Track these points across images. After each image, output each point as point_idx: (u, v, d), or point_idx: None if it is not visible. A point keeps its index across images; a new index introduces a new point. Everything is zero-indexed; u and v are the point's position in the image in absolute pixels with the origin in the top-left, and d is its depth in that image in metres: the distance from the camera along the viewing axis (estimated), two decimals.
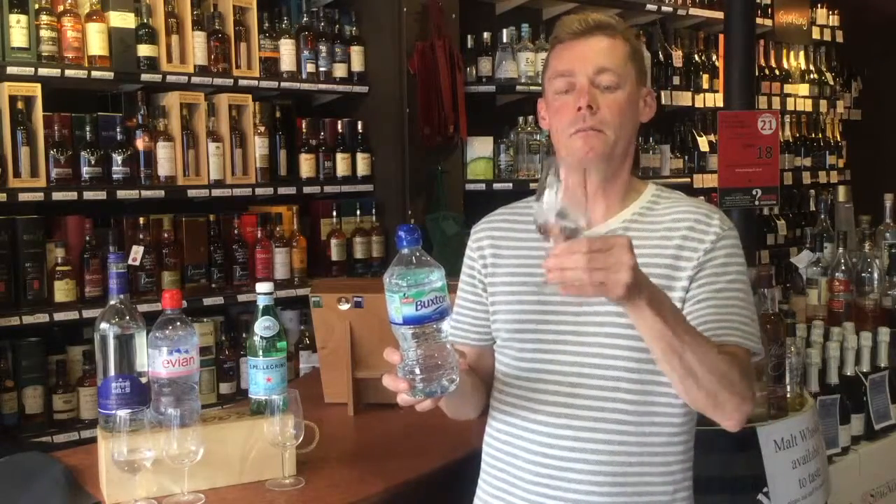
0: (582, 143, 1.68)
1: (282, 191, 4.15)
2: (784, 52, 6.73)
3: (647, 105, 1.77)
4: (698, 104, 5.85)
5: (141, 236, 3.69)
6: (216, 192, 3.90)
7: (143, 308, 2.86)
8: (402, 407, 1.59)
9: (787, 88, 6.64)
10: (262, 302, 2.04)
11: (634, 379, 1.66)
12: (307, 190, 4.24)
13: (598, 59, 1.69)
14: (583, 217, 1.43)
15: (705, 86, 5.92)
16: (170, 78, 3.76)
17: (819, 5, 7.05)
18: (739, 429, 1.64)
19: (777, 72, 6.61)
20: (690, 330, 1.54)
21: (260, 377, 2.02)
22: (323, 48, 4.31)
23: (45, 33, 3.43)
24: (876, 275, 3.41)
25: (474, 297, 1.82)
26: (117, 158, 3.61)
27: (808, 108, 6.88)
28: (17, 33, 3.37)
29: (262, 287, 2.05)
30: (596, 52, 1.69)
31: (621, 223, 1.73)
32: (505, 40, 4.81)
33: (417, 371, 1.51)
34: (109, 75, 3.58)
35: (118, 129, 3.64)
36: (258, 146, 4.04)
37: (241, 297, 3.91)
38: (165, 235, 3.78)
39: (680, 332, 1.50)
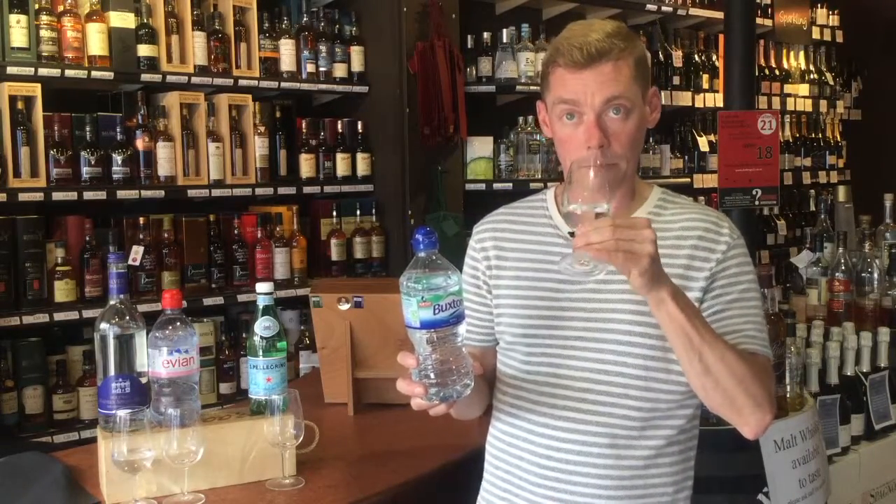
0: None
1: (282, 191, 4.15)
2: (784, 52, 6.73)
3: (653, 109, 1.73)
4: (698, 104, 5.85)
5: (141, 236, 3.69)
6: (216, 192, 3.90)
7: (143, 308, 2.86)
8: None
9: (787, 88, 6.64)
10: (262, 302, 2.04)
11: (643, 386, 1.66)
12: (307, 190, 4.24)
13: (604, 90, 1.61)
14: (607, 204, 1.48)
15: (705, 86, 5.92)
16: (170, 78, 3.76)
17: (819, 5, 7.05)
18: (757, 437, 1.64)
19: (777, 72, 6.61)
20: (710, 330, 1.56)
21: (260, 377, 2.02)
22: (323, 48, 4.31)
23: (45, 33, 3.43)
24: (876, 275, 3.41)
25: (478, 298, 1.81)
26: (117, 158, 3.61)
27: (808, 108, 6.88)
28: (17, 33, 3.37)
29: (262, 287, 2.05)
30: (601, 82, 1.61)
31: None
32: (505, 40, 4.81)
33: (433, 375, 1.50)
34: (109, 75, 3.58)
35: (118, 129, 3.64)
36: (258, 146, 4.04)
37: (241, 297, 3.91)
38: (165, 235, 3.78)
39: (700, 329, 1.53)
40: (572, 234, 1.72)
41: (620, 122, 1.64)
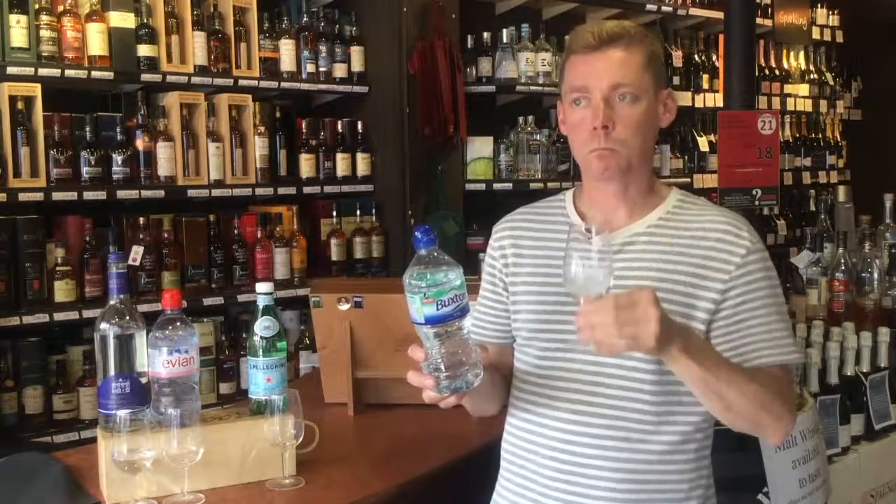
0: (598, 162, 1.69)
1: (282, 191, 4.14)
2: (784, 52, 6.72)
3: (666, 109, 1.76)
4: (698, 104, 5.85)
5: (141, 236, 3.69)
6: (216, 192, 3.90)
7: (143, 308, 2.86)
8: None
9: (787, 88, 6.64)
10: (262, 302, 2.04)
11: (656, 380, 1.67)
12: (307, 190, 4.24)
13: (612, 74, 1.66)
14: (607, 281, 1.49)
15: (705, 86, 5.92)
16: (170, 78, 3.76)
17: (819, 5, 7.04)
18: (782, 440, 1.72)
19: (777, 72, 6.61)
20: (725, 365, 1.59)
21: (260, 377, 2.02)
22: (323, 48, 4.31)
23: (45, 33, 3.43)
24: (876, 275, 3.41)
25: (494, 296, 1.84)
26: (117, 158, 3.61)
27: (808, 108, 6.87)
28: (17, 33, 3.37)
29: (262, 287, 2.06)
30: (609, 67, 1.67)
31: (645, 228, 1.73)
32: (505, 40, 4.81)
33: (442, 368, 1.54)
34: (109, 75, 3.58)
35: (118, 129, 3.64)
36: (258, 146, 4.04)
37: (241, 297, 3.91)
38: (165, 235, 3.77)
39: (716, 371, 1.56)
40: (588, 230, 1.74)
41: (628, 107, 1.68)
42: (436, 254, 1.54)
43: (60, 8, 3.51)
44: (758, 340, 1.67)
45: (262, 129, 4.07)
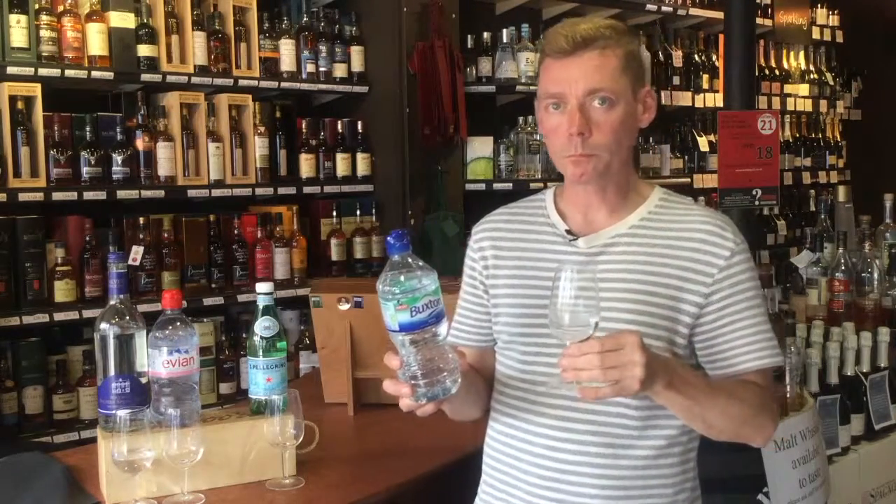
0: (574, 167, 1.66)
1: (282, 191, 4.15)
2: (784, 52, 6.73)
3: (646, 109, 1.72)
4: (698, 104, 5.85)
5: (141, 236, 3.69)
6: (216, 192, 3.90)
7: (143, 308, 2.86)
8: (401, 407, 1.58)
9: (787, 88, 6.64)
10: (262, 302, 2.04)
11: None
12: (307, 190, 4.24)
13: (587, 80, 1.62)
14: (595, 317, 1.47)
15: (705, 86, 5.93)
16: (170, 78, 3.76)
17: (819, 5, 7.05)
18: (765, 445, 1.75)
19: (777, 72, 6.61)
20: (707, 390, 1.60)
21: (260, 377, 2.02)
22: (323, 48, 4.31)
23: (45, 33, 3.43)
24: (876, 275, 3.41)
25: (475, 299, 1.81)
26: (117, 158, 3.61)
27: (808, 108, 6.88)
28: (17, 33, 3.37)
29: (262, 287, 2.06)
30: (584, 72, 1.62)
31: (627, 229, 1.71)
32: (505, 40, 4.81)
33: (418, 375, 1.51)
34: (109, 75, 3.58)
35: (118, 129, 3.64)
36: (258, 146, 4.04)
37: (241, 297, 3.91)
38: (165, 235, 3.77)
39: (699, 398, 1.58)
40: (569, 232, 1.73)
41: (604, 113, 1.64)
42: (409, 259, 1.51)
43: (60, 8, 3.51)
44: (742, 344, 1.67)
45: (262, 129, 4.07)
